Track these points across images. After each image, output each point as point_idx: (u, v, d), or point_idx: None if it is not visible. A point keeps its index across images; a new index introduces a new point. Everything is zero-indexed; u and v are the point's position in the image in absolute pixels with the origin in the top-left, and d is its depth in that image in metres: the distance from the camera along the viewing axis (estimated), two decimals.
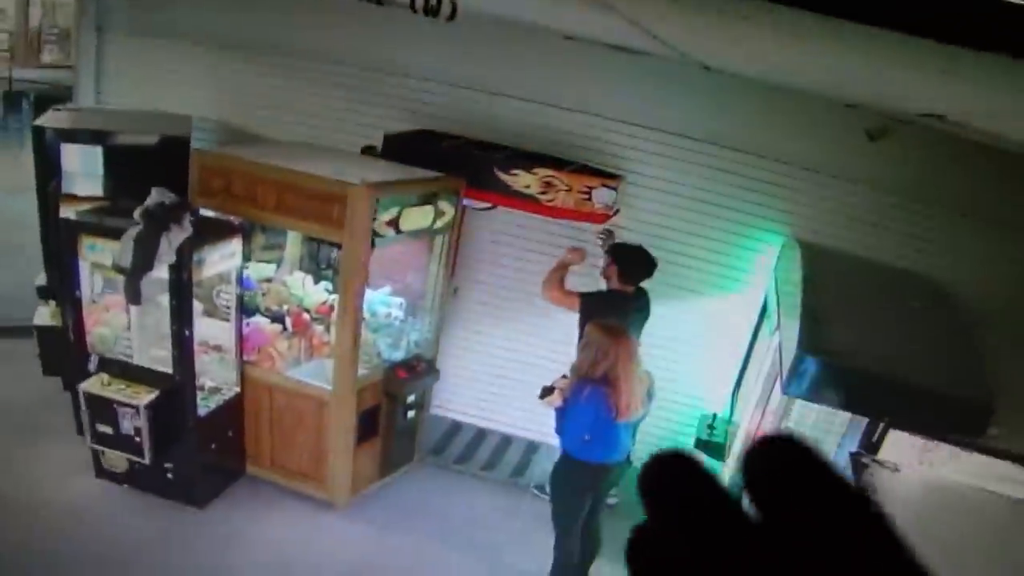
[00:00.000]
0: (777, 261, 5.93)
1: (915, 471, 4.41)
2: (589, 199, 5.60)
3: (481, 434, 6.99)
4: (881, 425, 4.39)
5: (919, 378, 4.21)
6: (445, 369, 6.39)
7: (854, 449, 4.57)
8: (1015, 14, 2.74)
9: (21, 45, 6.00)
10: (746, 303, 6.31)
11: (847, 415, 4.66)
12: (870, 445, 4.47)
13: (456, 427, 7.00)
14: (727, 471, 5.48)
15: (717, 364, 6.51)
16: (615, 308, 5.43)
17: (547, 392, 4.79)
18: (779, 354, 4.67)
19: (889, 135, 5.54)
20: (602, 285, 5.53)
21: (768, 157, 6.01)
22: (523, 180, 5.53)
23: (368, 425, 5.59)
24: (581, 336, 5.25)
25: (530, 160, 5.68)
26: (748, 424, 5.44)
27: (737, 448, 5.56)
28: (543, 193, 5.54)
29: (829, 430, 5.32)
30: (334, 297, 5.45)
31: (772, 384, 5.06)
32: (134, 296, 4.80)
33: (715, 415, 6.35)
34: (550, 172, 5.54)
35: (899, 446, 4.40)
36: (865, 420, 4.47)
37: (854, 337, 4.55)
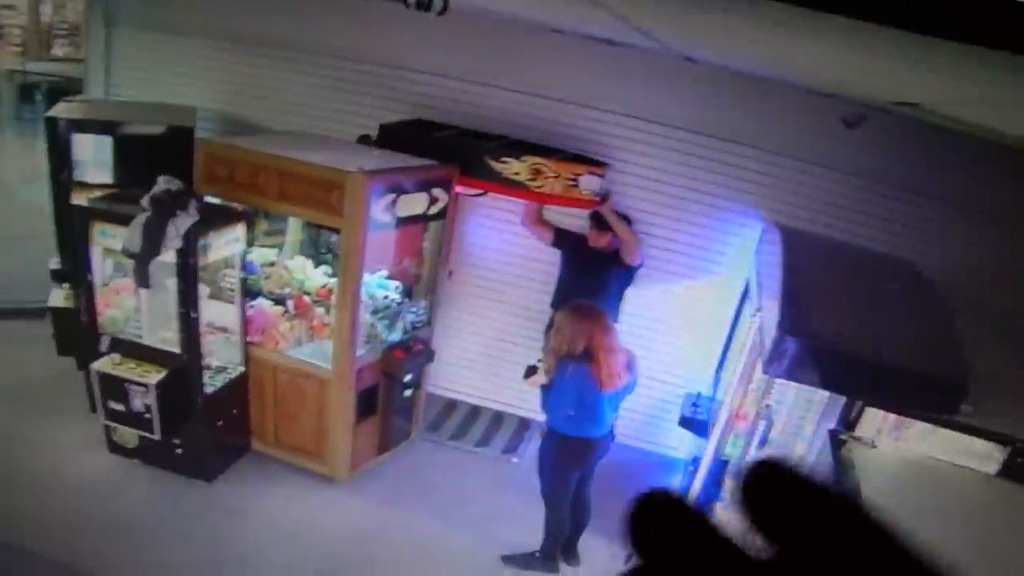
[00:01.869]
0: (758, 245, 6.06)
1: (891, 447, 4.55)
2: (576, 185, 5.74)
3: (475, 412, 7.18)
4: (858, 403, 4.54)
5: (895, 358, 4.27)
6: (441, 349, 6.55)
7: (832, 426, 4.72)
8: (989, 4, 2.88)
9: (33, 39, 6.16)
10: (728, 285, 6.46)
11: (825, 393, 4.75)
12: (848, 422, 4.61)
13: (451, 405, 7.19)
14: (710, 447, 5.67)
15: (701, 344, 6.68)
16: (582, 255, 6.09)
17: (531, 372, 5.00)
18: (760, 335, 4.78)
19: (866, 122, 5.65)
20: None
21: (748, 144, 6.15)
22: (513, 168, 5.67)
23: (367, 403, 5.78)
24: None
25: (519, 149, 5.82)
26: (731, 402, 5.58)
27: (720, 425, 5.71)
28: (532, 180, 5.68)
29: (808, 408, 5.49)
30: (333, 280, 5.61)
31: (754, 364, 5.17)
32: (143, 280, 4.99)
33: (699, 393, 6.50)
34: (538, 160, 5.67)
35: (875, 423, 4.55)
36: (843, 398, 4.59)
37: (832, 319, 4.63)
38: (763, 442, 5.25)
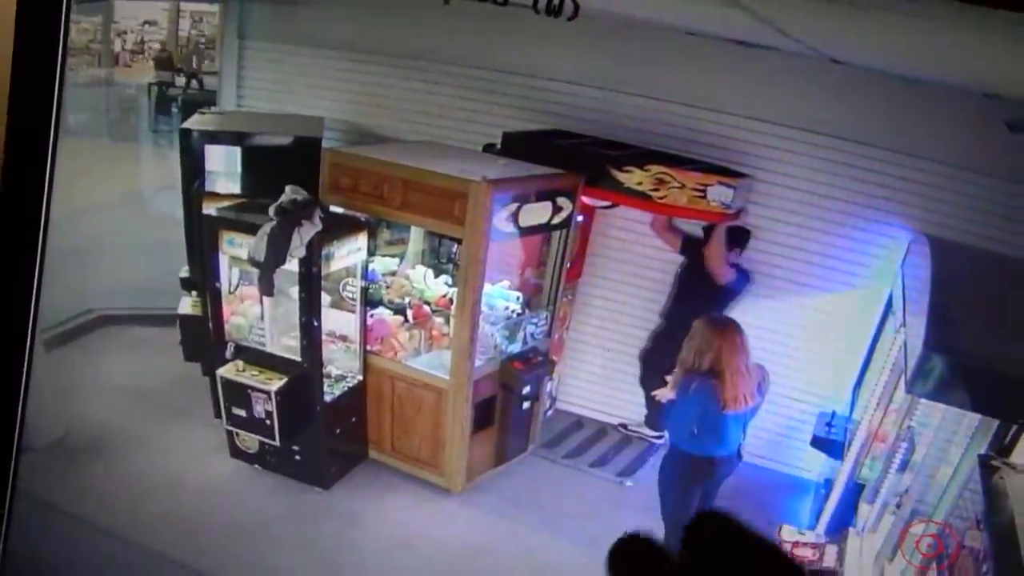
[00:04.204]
0: (905, 257, 5.72)
1: None
2: (704, 196, 5.51)
3: (602, 432, 6.90)
4: (1013, 427, 4.20)
5: None
6: (568, 364, 6.50)
7: (983, 451, 4.40)
8: None
9: (171, 53, 6.48)
10: (870, 299, 6.10)
11: (976, 416, 4.38)
12: (1001, 447, 4.27)
13: (579, 423, 6.97)
14: (845, 469, 5.40)
15: (838, 361, 6.32)
16: (693, 265, 6.04)
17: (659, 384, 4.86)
18: (904, 352, 4.50)
19: None
20: None
21: (898, 151, 5.77)
22: (635, 177, 5.51)
23: (484, 415, 5.73)
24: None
25: (644, 157, 5.64)
26: (869, 423, 5.31)
27: (857, 446, 5.42)
28: (655, 190, 5.50)
29: (956, 431, 5.13)
30: (453, 291, 5.58)
31: (896, 382, 4.95)
32: (267, 288, 5.09)
33: (834, 412, 6.16)
34: (663, 169, 5.48)
35: None
36: (995, 421, 4.22)
37: (985, 335, 4.34)
38: (904, 466, 4.98)
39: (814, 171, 6.02)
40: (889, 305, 5.80)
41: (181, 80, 7.16)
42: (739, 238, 5.90)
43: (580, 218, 6.12)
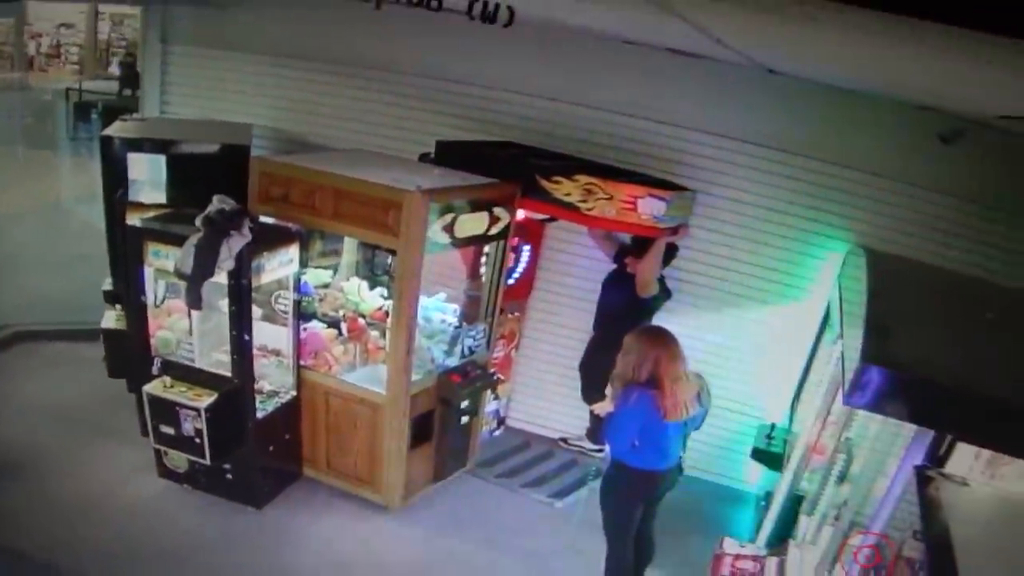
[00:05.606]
0: (841, 268, 5.78)
1: (984, 485, 4.23)
2: (634, 209, 5.42)
3: (550, 451, 6.90)
4: (948, 438, 4.20)
5: (990, 389, 3.93)
6: (518, 382, 6.57)
7: (919, 462, 4.46)
8: None
9: (90, 58, 6.23)
10: (808, 312, 6.22)
11: (912, 427, 4.35)
12: (936, 458, 4.27)
13: (525, 441, 6.97)
14: (784, 481, 5.43)
15: (777, 373, 6.43)
16: (618, 275, 6.12)
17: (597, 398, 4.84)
18: (841, 364, 4.55)
19: (963, 138, 5.38)
20: None
21: (834, 162, 5.91)
22: (564, 188, 5.44)
23: (422, 430, 5.64)
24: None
25: (574, 168, 5.58)
26: (808, 435, 5.36)
27: (796, 458, 5.47)
28: (583, 201, 5.42)
29: (893, 442, 5.20)
30: (389, 303, 5.49)
31: (833, 394, 4.99)
32: (195, 301, 4.91)
33: (774, 425, 6.27)
34: (592, 180, 5.41)
35: (967, 460, 4.21)
36: (931, 432, 4.20)
37: (921, 347, 4.33)
38: (842, 478, 4.99)
39: (753, 182, 6.12)
40: (827, 317, 5.87)
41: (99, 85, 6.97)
42: (667, 254, 5.89)
43: (527, 247, 6.19)
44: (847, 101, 5.44)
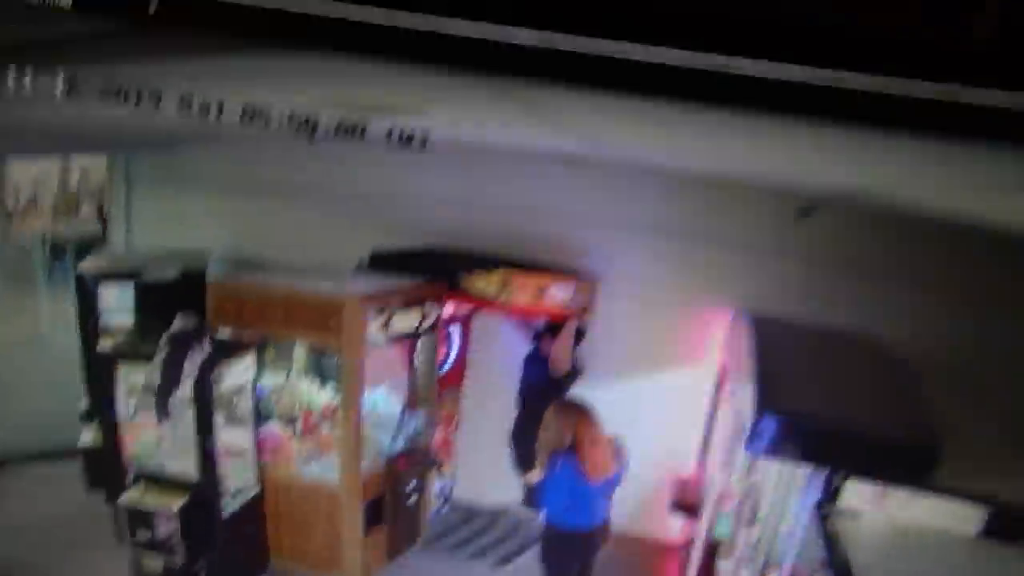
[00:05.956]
0: (729, 332, 6.38)
1: (875, 517, 4.62)
2: (543, 297, 6.13)
3: (493, 520, 7.34)
4: (839, 475, 4.57)
5: (868, 428, 4.47)
6: (461, 460, 6.99)
7: (816, 500, 4.88)
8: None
9: (62, 205, 6.83)
10: (706, 373, 6.76)
11: (807, 469, 4.76)
12: (830, 495, 4.64)
13: (467, 514, 7.41)
14: (701, 529, 5.85)
15: (686, 429, 6.92)
16: (536, 356, 6.75)
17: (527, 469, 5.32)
18: (739, 417, 5.03)
19: (819, 212, 5.88)
20: None
21: (714, 241, 6.48)
22: (483, 282, 6.11)
23: (375, 513, 6.05)
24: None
25: (491, 263, 6.24)
26: (719, 483, 5.77)
27: (709, 506, 5.87)
28: (500, 292, 6.10)
29: (792, 483, 5.66)
30: (339, 398, 5.91)
31: (736, 444, 5.30)
32: (162, 412, 5.42)
33: (687, 478, 6.73)
34: (507, 273, 6.10)
35: (858, 494, 4.57)
36: (823, 472, 4.61)
37: (805, 395, 4.83)
38: (752, 520, 5.35)
39: (647, 265, 6.75)
40: (722, 376, 6.45)
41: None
42: (576, 338, 6.54)
43: (457, 337, 6.77)
44: (720, 187, 5.99)
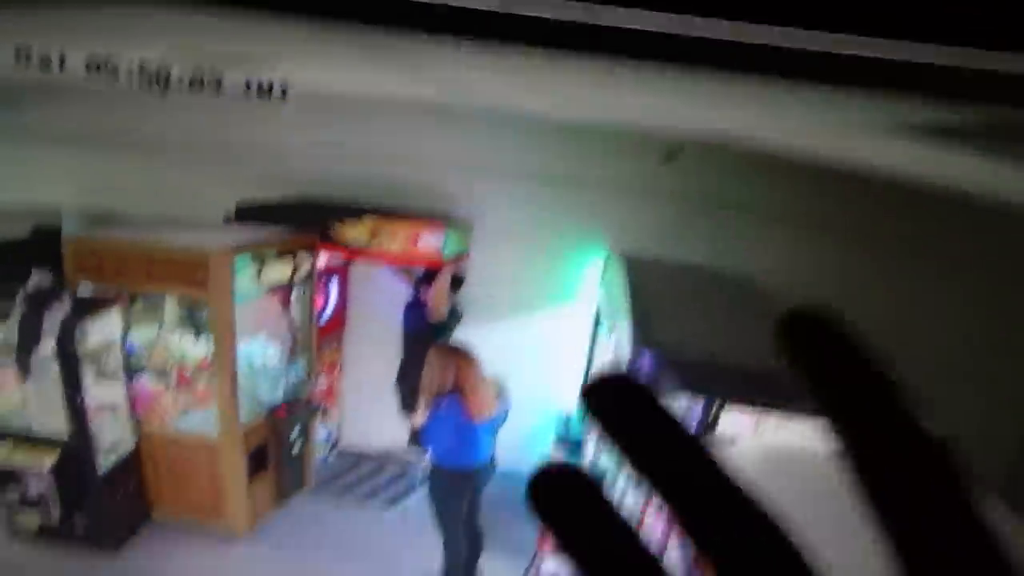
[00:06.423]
0: (603, 273, 6.57)
1: (749, 443, 4.76)
2: (415, 244, 6.16)
3: (380, 465, 7.50)
4: (716, 404, 4.64)
5: (743, 359, 4.37)
6: (346, 407, 7.00)
7: (694, 429, 5.09)
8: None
9: None
10: (583, 312, 6.99)
11: (685, 401, 4.82)
12: (709, 423, 4.73)
13: (357, 459, 7.55)
14: (586, 462, 6.04)
15: (566, 368, 7.16)
16: (415, 303, 6.76)
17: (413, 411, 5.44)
18: (618, 353, 5.23)
19: (684, 154, 6.12)
20: None
21: (583, 184, 6.62)
22: (353, 230, 6.10)
23: (258, 462, 6.09)
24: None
25: (361, 211, 6.22)
26: None
27: (592, 442, 6.08)
28: (372, 241, 6.11)
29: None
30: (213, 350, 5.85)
31: None
32: (23, 370, 5.29)
33: (569, 415, 6.95)
34: (377, 221, 6.10)
35: (734, 421, 4.66)
36: (700, 402, 4.66)
37: (682, 331, 5.03)
38: None
39: (518, 210, 6.85)
40: (598, 316, 6.66)
41: None
42: (454, 284, 6.62)
43: (335, 286, 6.71)
44: (585, 132, 6.08)
